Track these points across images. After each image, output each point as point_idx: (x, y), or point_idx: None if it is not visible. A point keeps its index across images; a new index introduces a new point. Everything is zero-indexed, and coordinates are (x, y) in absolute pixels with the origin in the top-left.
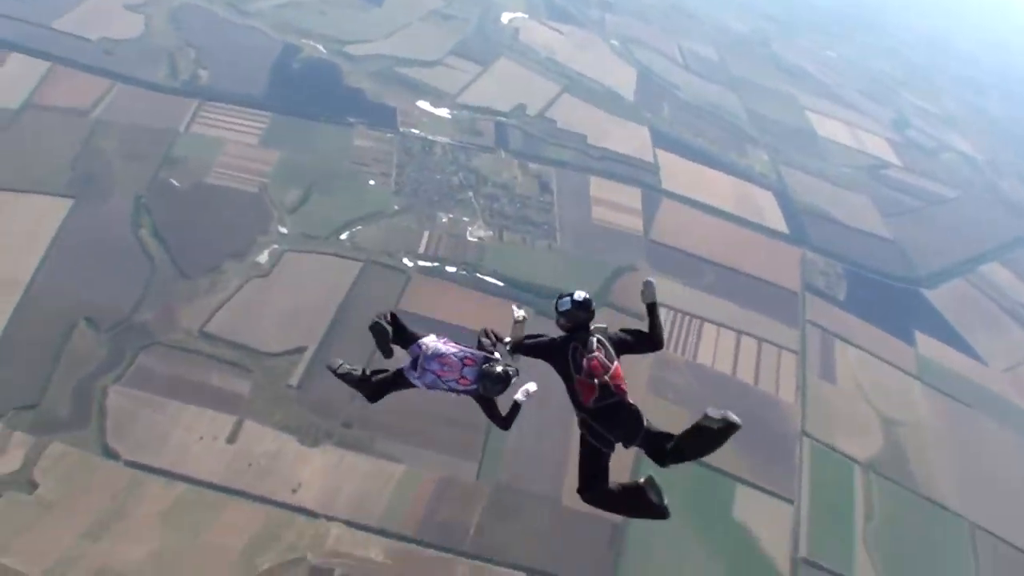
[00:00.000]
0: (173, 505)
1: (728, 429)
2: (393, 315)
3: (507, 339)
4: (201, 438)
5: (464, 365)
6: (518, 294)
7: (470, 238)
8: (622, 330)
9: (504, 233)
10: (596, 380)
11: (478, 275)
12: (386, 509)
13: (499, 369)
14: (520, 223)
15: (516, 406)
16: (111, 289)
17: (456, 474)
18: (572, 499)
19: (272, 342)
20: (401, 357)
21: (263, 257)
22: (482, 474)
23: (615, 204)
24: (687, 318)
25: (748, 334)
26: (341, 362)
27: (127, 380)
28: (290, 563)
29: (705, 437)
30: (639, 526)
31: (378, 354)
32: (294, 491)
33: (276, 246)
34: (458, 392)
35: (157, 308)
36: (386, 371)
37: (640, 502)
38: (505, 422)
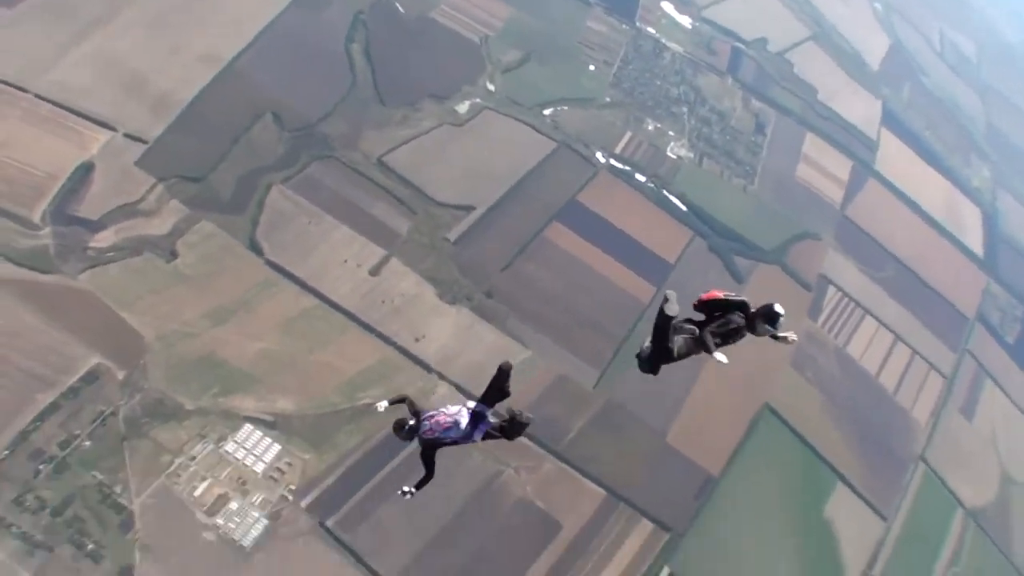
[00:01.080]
0: (299, 316)
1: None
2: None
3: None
4: (346, 261)
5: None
6: (697, 224)
7: (669, 154)
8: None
9: (704, 159)
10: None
11: (664, 192)
12: None
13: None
14: (724, 155)
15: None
16: (306, 92)
17: (576, 376)
18: (677, 439)
19: (444, 192)
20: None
21: (463, 107)
22: (600, 384)
23: (823, 168)
24: (852, 305)
25: (905, 342)
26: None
27: (294, 184)
28: None
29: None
30: (734, 485)
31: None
32: (417, 340)
33: (479, 100)
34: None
35: (345, 124)
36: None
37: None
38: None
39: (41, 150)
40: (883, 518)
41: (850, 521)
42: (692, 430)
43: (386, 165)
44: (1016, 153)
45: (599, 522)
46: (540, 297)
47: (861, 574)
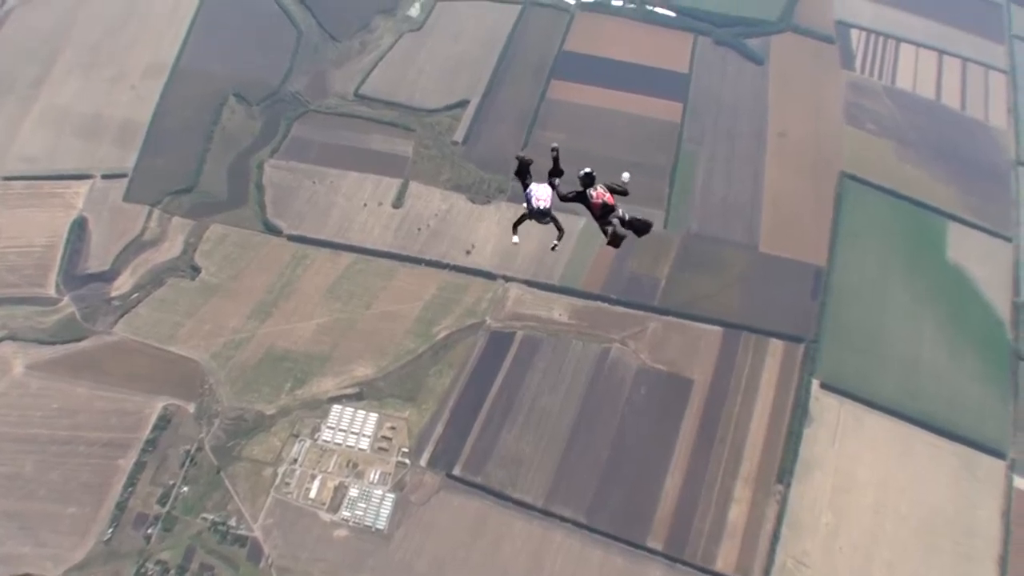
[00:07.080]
0: (341, 276)
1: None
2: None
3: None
4: (365, 205)
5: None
6: (693, 24)
7: None
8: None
9: None
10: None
11: (647, 6)
12: (568, 266)
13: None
14: None
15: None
16: (258, 62)
17: None
18: (770, 244)
19: (432, 98)
20: None
21: (414, 9)
22: (670, 223)
23: None
24: (880, 39)
25: (950, 53)
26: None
27: (283, 152)
28: (468, 328)
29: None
30: (846, 269)
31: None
32: (468, 253)
33: None
34: (540, 209)
35: (307, 76)
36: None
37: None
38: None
39: (31, 226)
40: (1007, 239)
41: (977, 256)
42: (781, 229)
43: (365, 96)
44: None
45: (728, 360)
46: (568, 160)
47: (1012, 305)
